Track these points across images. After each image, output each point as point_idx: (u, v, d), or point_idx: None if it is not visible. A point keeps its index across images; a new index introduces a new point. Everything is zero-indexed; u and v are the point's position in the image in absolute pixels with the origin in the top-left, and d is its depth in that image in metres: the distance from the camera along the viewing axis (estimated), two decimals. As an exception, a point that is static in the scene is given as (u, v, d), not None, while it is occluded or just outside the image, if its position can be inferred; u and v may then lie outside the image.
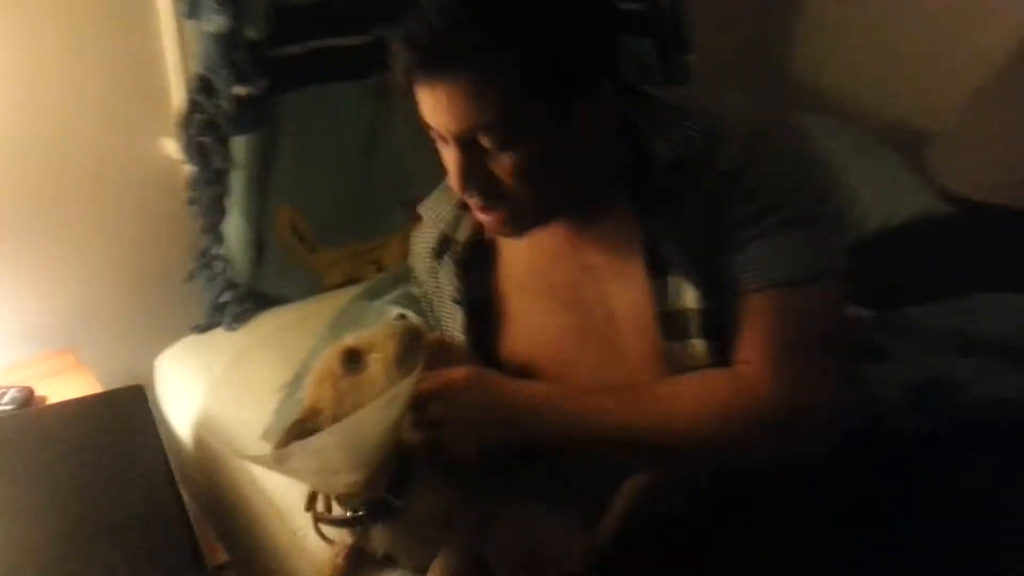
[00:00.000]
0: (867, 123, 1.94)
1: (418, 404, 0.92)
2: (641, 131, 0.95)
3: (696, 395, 0.93)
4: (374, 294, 1.45)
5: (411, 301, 1.31)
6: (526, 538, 0.94)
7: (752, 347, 0.92)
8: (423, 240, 1.13)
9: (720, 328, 0.94)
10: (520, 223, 0.95)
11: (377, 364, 0.89)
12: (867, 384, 1.13)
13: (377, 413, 0.85)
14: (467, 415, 0.93)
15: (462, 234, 1.07)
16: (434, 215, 1.10)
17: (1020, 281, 1.41)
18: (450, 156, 0.90)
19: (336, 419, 0.87)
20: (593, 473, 0.98)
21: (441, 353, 0.99)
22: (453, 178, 0.91)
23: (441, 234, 1.08)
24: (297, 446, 0.86)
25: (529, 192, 0.90)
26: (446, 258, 1.07)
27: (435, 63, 0.83)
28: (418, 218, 1.15)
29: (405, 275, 1.39)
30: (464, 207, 1.04)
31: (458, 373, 0.94)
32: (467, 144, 0.87)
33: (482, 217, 0.95)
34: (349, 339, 0.92)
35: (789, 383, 0.90)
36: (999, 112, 1.73)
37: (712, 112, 0.97)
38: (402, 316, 0.94)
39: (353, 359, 0.90)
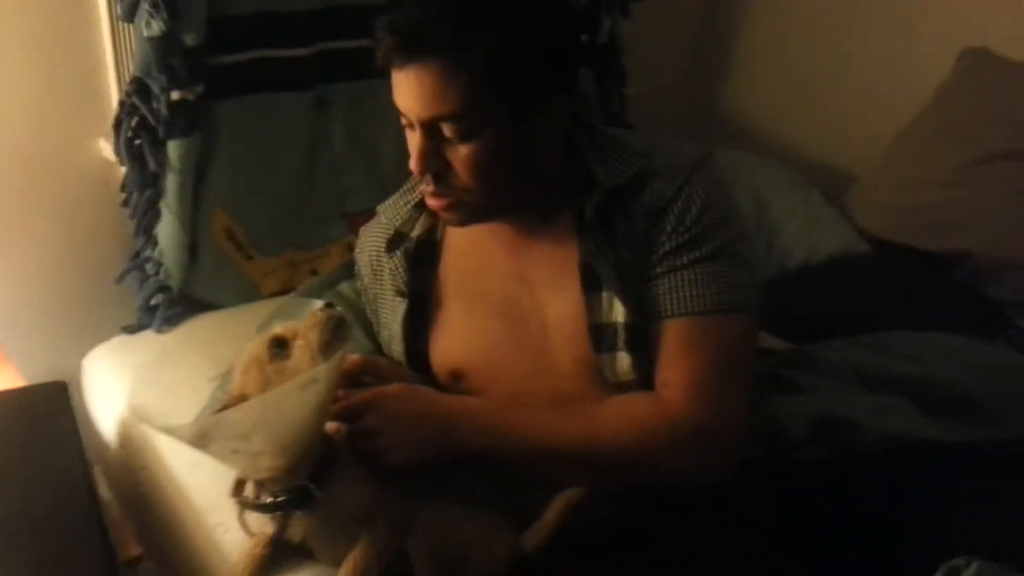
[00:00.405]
0: (794, 162, 2.02)
1: (352, 415, 0.97)
2: (586, 157, 1.04)
3: (620, 416, 1.00)
4: (310, 293, 1.45)
5: (341, 300, 1.35)
6: (449, 537, 0.97)
7: (669, 371, 1.00)
8: (374, 236, 1.19)
9: (644, 343, 1.01)
10: (466, 212, 1.02)
11: (302, 351, 0.91)
12: (775, 413, 1.19)
13: (295, 394, 0.87)
14: (400, 426, 0.97)
15: (415, 232, 1.13)
16: (391, 213, 1.17)
17: (927, 320, 1.48)
18: (414, 140, 0.97)
19: None
20: (521, 481, 1.04)
21: (374, 369, 1.04)
22: (413, 161, 0.98)
23: (396, 231, 1.14)
24: (215, 419, 0.88)
25: (478, 184, 0.98)
26: (397, 253, 1.13)
27: (411, 49, 0.91)
28: (357, 230, 1.23)
29: (337, 279, 1.44)
30: (420, 208, 1.12)
31: (391, 387, 0.99)
32: (430, 130, 0.95)
33: (432, 202, 1.02)
34: (276, 328, 0.95)
35: (701, 407, 0.98)
36: (911, 157, 1.81)
37: (650, 149, 1.05)
38: (328, 305, 0.96)
39: (279, 346, 0.92)
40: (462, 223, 1.05)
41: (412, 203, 1.14)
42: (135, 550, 1.20)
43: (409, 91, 0.93)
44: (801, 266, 1.79)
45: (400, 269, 1.13)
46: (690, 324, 1.00)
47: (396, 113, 0.98)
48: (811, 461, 1.14)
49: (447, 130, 0.94)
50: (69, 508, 1.06)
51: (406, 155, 1.01)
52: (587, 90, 1.96)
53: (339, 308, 0.97)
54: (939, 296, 1.61)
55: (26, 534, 1.01)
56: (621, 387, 1.03)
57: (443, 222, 1.13)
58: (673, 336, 1.00)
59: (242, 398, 0.91)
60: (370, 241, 1.20)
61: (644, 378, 1.02)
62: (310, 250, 1.67)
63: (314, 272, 1.67)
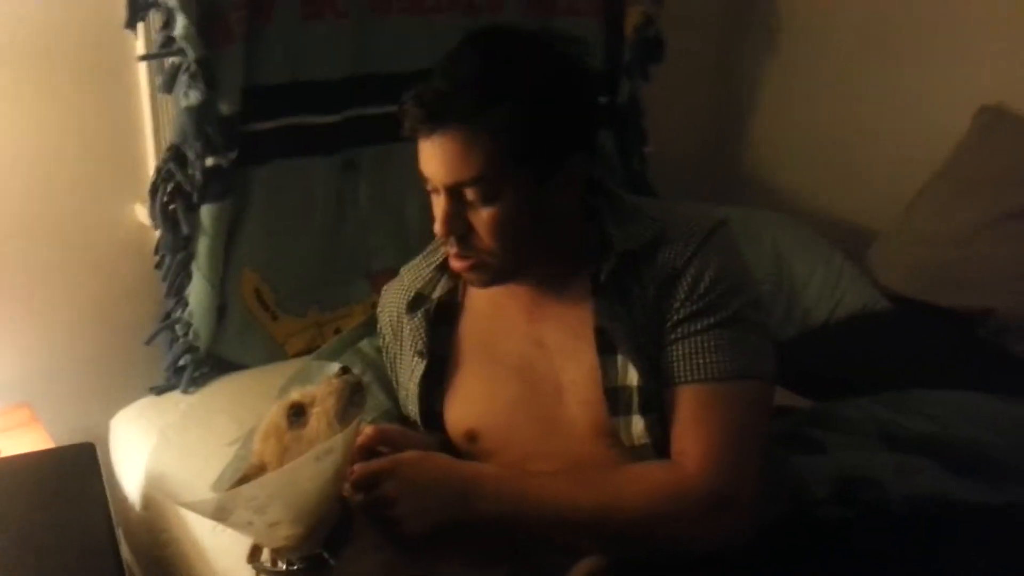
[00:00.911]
0: (814, 220, 2.03)
1: (369, 484, 0.97)
2: (604, 220, 1.06)
3: (636, 484, 1.00)
4: (327, 357, 1.47)
5: (361, 359, 1.38)
6: None
7: (684, 438, 1.00)
8: (395, 296, 1.21)
9: (658, 408, 1.02)
10: (488, 274, 1.04)
11: (319, 418, 0.92)
12: (798, 473, 1.19)
13: (311, 465, 0.88)
14: (416, 493, 0.96)
15: (436, 293, 1.16)
16: (414, 274, 1.19)
17: (951, 377, 1.47)
18: (438, 204, 1.00)
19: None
20: (537, 545, 1.03)
21: (389, 438, 1.05)
22: (437, 224, 1.01)
23: (417, 292, 1.17)
24: (232, 494, 0.88)
25: (501, 246, 1.00)
26: (418, 314, 1.15)
27: (435, 118, 0.95)
28: (380, 289, 1.25)
29: (358, 337, 1.45)
30: (442, 269, 1.15)
31: (407, 454, 1.00)
32: (454, 195, 0.98)
33: (455, 263, 1.05)
34: (295, 394, 0.96)
35: (717, 474, 0.98)
36: (930, 215, 1.82)
37: (665, 215, 1.08)
38: (344, 370, 0.97)
39: (297, 413, 0.93)
40: (484, 284, 1.07)
41: (434, 265, 1.17)
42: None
43: (434, 158, 0.97)
44: (823, 324, 1.79)
45: (420, 330, 1.15)
46: (704, 391, 1.01)
47: (421, 176, 1.01)
48: (834, 520, 1.13)
49: (470, 194, 0.98)
50: (93, 570, 1.07)
51: (430, 216, 1.05)
52: (607, 150, 2.00)
53: (356, 372, 0.98)
54: (962, 353, 1.60)
55: None
56: (636, 451, 1.04)
57: (464, 284, 1.15)
58: (687, 402, 1.01)
59: (261, 467, 0.92)
60: (391, 301, 1.22)
61: (658, 442, 1.02)
62: (334, 310, 1.70)
63: (338, 331, 1.68)
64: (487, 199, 0.97)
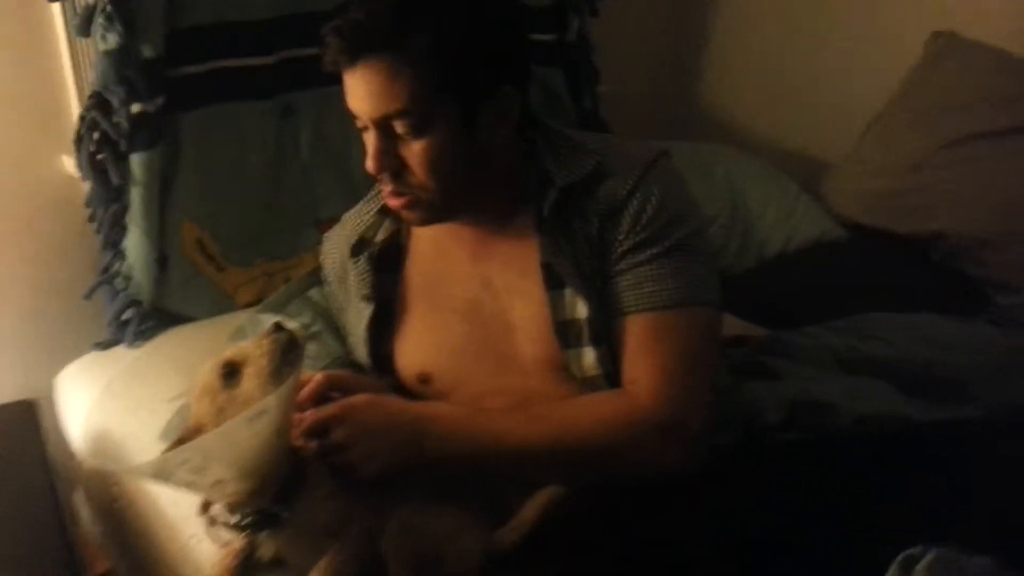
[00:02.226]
0: (769, 153, 2.03)
1: (320, 431, 0.96)
2: (541, 156, 1.06)
3: (588, 415, 1.01)
4: (275, 307, 1.44)
5: (310, 307, 1.35)
6: (422, 536, 0.95)
7: (634, 367, 1.02)
8: (338, 242, 1.21)
9: (608, 339, 1.03)
10: (425, 211, 1.04)
11: (252, 378, 0.90)
12: (751, 400, 1.19)
13: (246, 426, 0.86)
14: (369, 437, 0.96)
15: (379, 236, 1.15)
16: (356, 219, 1.18)
17: (906, 302, 1.48)
18: (369, 140, 0.99)
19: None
20: (494, 481, 1.02)
21: (340, 383, 1.04)
22: (369, 161, 1.01)
23: (360, 236, 1.16)
24: (166, 458, 0.87)
25: (435, 181, 0.99)
26: (362, 258, 1.14)
27: (356, 49, 0.94)
28: None
29: (306, 286, 1.42)
30: (384, 213, 1.14)
31: (357, 398, 0.99)
32: (383, 129, 0.97)
33: (391, 202, 1.04)
34: (227, 352, 0.94)
35: (667, 401, 0.99)
36: (884, 143, 1.81)
37: (605, 148, 1.07)
38: (278, 326, 0.94)
39: (230, 373, 0.91)
40: (422, 222, 1.06)
41: (376, 209, 1.16)
42: (103, 566, 1.19)
43: (358, 91, 0.96)
44: (778, 255, 1.80)
45: (365, 274, 1.14)
46: (652, 319, 1.01)
47: (350, 114, 0.99)
48: (786, 444, 1.14)
49: (399, 127, 0.96)
50: (37, 526, 1.07)
51: None
52: (558, 90, 1.95)
53: (292, 327, 0.96)
54: (917, 278, 1.62)
55: None
56: (588, 383, 1.04)
57: (408, 227, 1.14)
58: (636, 332, 1.02)
59: (197, 428, 0.90)
60: (334, 247, 1.21)
61: (610, 374, 1.03)
62: (284, 259, 1.66)
63: (288, 281, 1.63)
64: (416, 132, 0.96)
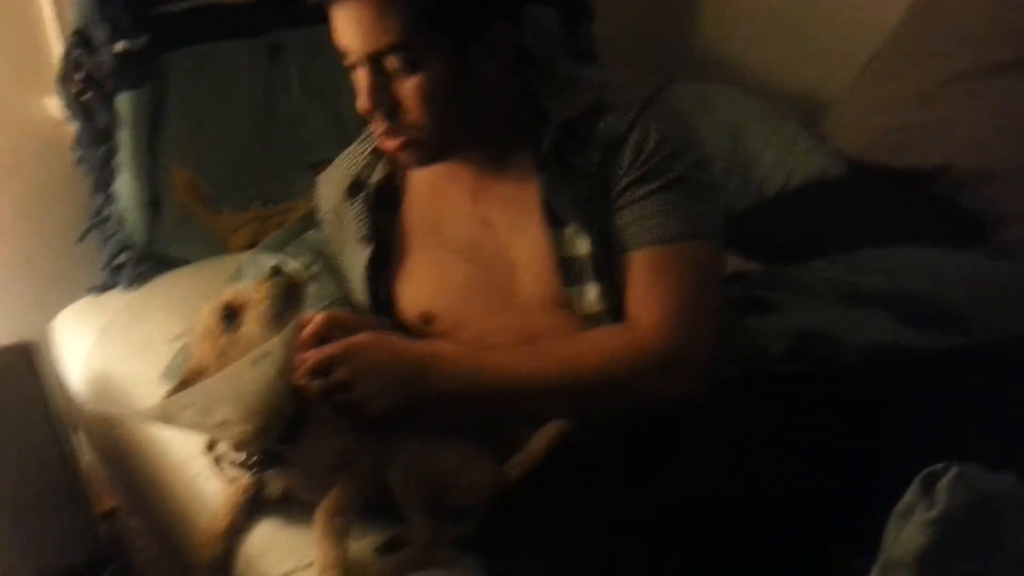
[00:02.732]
0: (768, 91, 1.99)
1: (324, 369, 0.96)
2: (538, 93, 1.04)
3: (593, 349, 1.00)
4: (272, 248, 1.43)
5: (308, 248, 1.33)
6: (429, 468, 0.97)
7: (638, 302, 1.01)
8: (333, 183, 1.19)
9: (610, 274, 1.02)
10: (420, 151, 1.02)
11: (252, 322, 0.91)
12: (752, 333, 1.18)
13: (249, 369, 0.87)
14: (373, 374, 0.96)
15: (375, 177, 1.13)
16: (349, 161, 1.17)
17: (905, 236, 1.47)
18: (361, 79, 0.97)
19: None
20: (500, 416, 1.04)
21: (341, 322, 1.03)
22: (361, 99, 0.98)
23: (355, 177, 1.14)
24: (169, 402, 0.88)
25: (429, 119, 0.97)
26: (358, 200, 1.13)
27: None
28: None
29: (303, 228, 1.41)
30: (378, 153, 1.13)
31: (360, 337, 0.98)
32: (375, 66, 0.95)
33: (386, 143, 1.02)
34: (224, 294, 0.94)
35: (671, 333, 0.99)
36: (883, 78, 1.78)
37: (602, 84, 1.07)
38: (276, 270, 0.93)
39: (230, 314, 0.91)
40: (418, 163, 1.05)
41: (369, 149, 1.14)
42: (109, 503, 1.19)
43: (348, 27, 0.94)
44: (778, 192, 1.78)
45: (362, 216, 1.13)
46: (655, 254, 1.01)
47: (339, 52, 0.97)
48: (790, 375, 1.13)
49: (391, 63, 0.94)
50: (41, 466, 1.06)
51: None
52: (551, 29, 1.91)
53: (290, 269, 0.95)
54: (916, 212, 1.60)
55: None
56: (591, 319, 1.04)
57: (401, 166, 1.12)
58: (639, 267, 1.01)
59: (199, 370, 0.91)
60: (329, 189, 1.20)
61: (613, 309, 1.02)
62: (278, 203, 1.63)
63: (282, 226, 1.63)
64: (409, 67, 0.94)
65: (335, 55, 1.54)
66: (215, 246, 1.58)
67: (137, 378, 1.26)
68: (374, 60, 0.94)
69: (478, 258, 1.09)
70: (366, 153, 1.14)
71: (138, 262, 1.49)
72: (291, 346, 0.92)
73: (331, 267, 1.27)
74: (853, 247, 1.46)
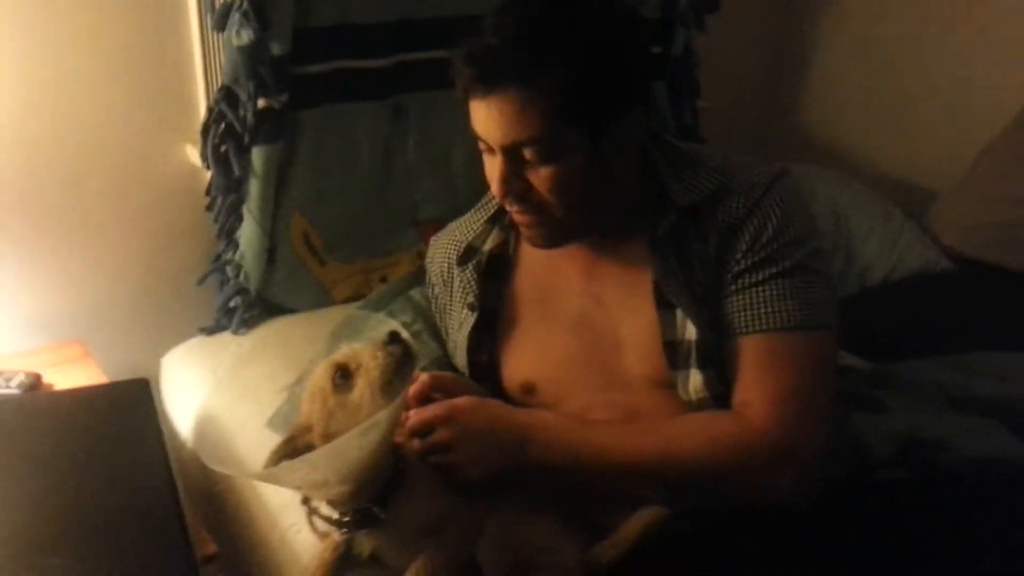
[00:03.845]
0: (871, 178, 1.98)
1: (424, 430, 0.97)
2: (662, 174, 1.04)
3: (699, 433, 0.98)
4: (377, 304, 1.48)
5: (412, 307, 1.37)
6: (518, 544, 0.95)
7: (748, 389, 0.99)
8: (445, 247, 1.21)
9: (717, 362, 1.00)
10: (548, 233, 1.03)
11: (364, 387, 0.91)
12: (859, 433, 1.16)
13: (358, 439, 0.88)
14: (473, 439, 0.96)
15: (488, 245, 1.15)
16: (465, 226, 1.19)
17: (1012, 338, 1.42)
18: (494, 165, 0.99)
19: (326, 436, 0.90)
20: (595, 493, 1.02)
21: (443, 384, 1.04)
22: (495, 185, 1.00)
23: (468, 244, 1.16)
24: (283, 467, 0.90)
25: (560, 205, 0.99)
26: (469, 266, 1.15)
27: (490, 79, 0.92)
28: (427, 238, 1.24)
29: (407, 286, 1.45)
30: (493, 222, 1.15)
31: (463, 400, 0.99)
32: (511, 155, 0.96)
33: (519, 218, 1.03)
34: (339, 355, 0.95)
35: (783, 425, 0.96)
36: (997, 174, 1.75)
37: (725, 166, 1.05)
38: (394, 336, 0.94)
39: (343, 376, 0.92)
40: (547, 244, 1.05)
41: (485, 218, 1.16)
42: (211, 547, 1.22)
43: (489, 119, 0.94)
44: (881, 283, 1.74)
45: (471, 283, 1.15)
46: (768, 341, 0.99)
47: (473, 133, 0.99)
48: (897, 482, 1.11)
49: (527, 154, 0.95)
50: (151, 503, 1.08)
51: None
52: (660, 103, 1.94)
53: (405, 337, 0.95)
54: (1026, 316, 1.54)
55: (109, 529, 1.03)
56: (694, 405, 1.02)
57: (517, 238, 1.14)
58: (750, 353, 0.99)
59: (307, 427, 0.92)
60: (441, 252, 1.22)
61: (718, 397, 1.01)
62: (381, 257, 1.69)
63: (384, 279, 1.69)
64: (545, 159, 0.95)
65: (449, 119, 1.61)
66: (320, 296, 1.63)
67: (243, 424, 1.28)
68: (511, 150, 0.96)
69: (586, 332, 1.09)
70: (482, 221, 1.16)
71: (249, 307, 1.55)
72: (398, 416, 0.93)
73: (433, 326, 1.30)
74: (960, 347, 1.41)
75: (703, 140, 2.05)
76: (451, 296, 1.20)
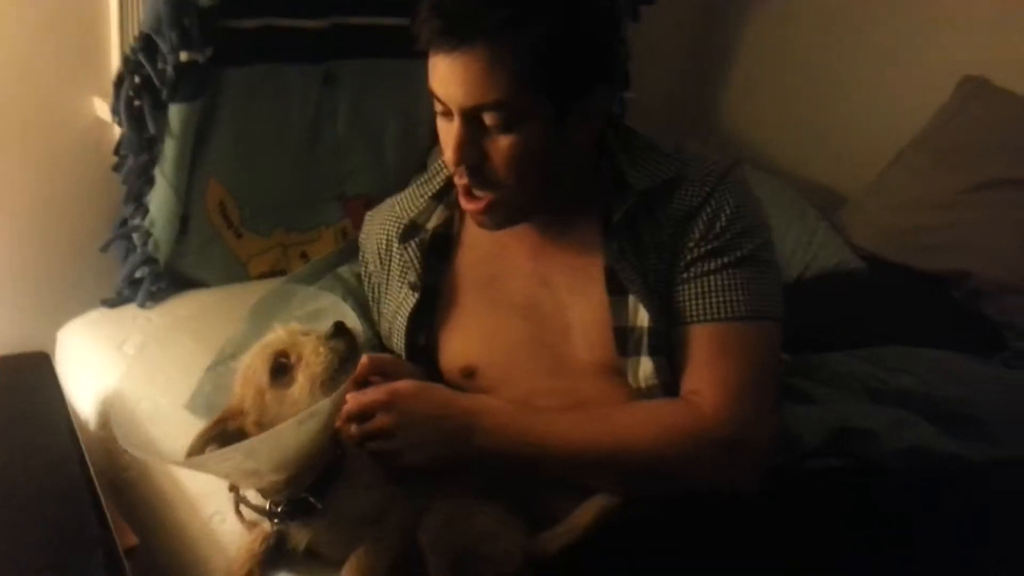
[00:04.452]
0: (786, 177, 2.03)
1: (364, 415, 0.92)
2: (618, 158, 1.02)
3: (649, 421, 0.97)
4: (304, 280, 1.40)
5: (341, 284, 1.31)
6: (462, 532, 0.93)
7: (698, 378, 0.98)
8: (384, 224, 1.15)
9: (668, 349, 0.99)
10: (501, 214, 0.99)
11: (304, 381, 0.87)
12: (788, 422, 1.18)
13: (296, 428, 0.83)
14: (416, 425, 0.92)
15: (432, 223, 1.10)
16: (406, 202, 1.13)
17: (924, 337, 1.49)
18: (450, 131, 0.94)
19: (260, 426, 0.86)
20: (540, 482, 0.99)
21: (382, 367, 1.00)
22: (448, 152, 0.94)
23: (411, 221, 1.11)
24: (214, 455, 0.85)
25: (515, 179, 0.95)
26: (412, 244, 1.09)
27: (460, 32, 0.87)
28: (353, 215, 1.16)
29: (336, 263, 1.39)
30: (438, 199, 1.10)
31: (404, 384, 0.94)
32: (470, 120, 0.91)
33: (465, 203, 0.99)
34: (275, 339, 0.89)
35: (734, 414, 0.96)
36: (909, 178, 1.83)
37: (679, 154, 1.04)
38: (340, 328, 0.88)
39: (281, 370, 0.87)
40: (497, 226, 1.02)
41: (429, 194, 1.11)
42: (131, 539, 1.12)
43: (453, 77, 0.90)
44: (795, 280, 1.78)
45: (413, 261, 1.10)
46: (719, 330, 0.99)
47: (430, 91, 0.94)
48: (827, 470, 1.13)
49: (488, 119, 0.91)
50: (65, 487, 1.01)
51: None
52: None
53: (352, 327, 0.89)
54: (936, 314, 1.63)
55: (23, 515, 0.95)
56: (643, 393, 1.01)
57: (461, 217, 1.10)
58: (701, 342, 0.99)
59: (237, 411, 0.88)
60: (379, 228, 1.16)
61: (667, 385, 1.00)
62: (302, 232, 1.62)
63: (304, 255, 1.62)
64: (506, 126, 0.91)
65: (384, 91, 1.55)
66: (234, 270, 1.55)
67: (156, 405, 1.19)
68: (471, 114, 0.91)
69: (534, 315, 1.06)
70: (426, 197, 1.12)
71: (157, 278, 1.44)
72: (339, 406, 0.89)
73: (363, 305, 1.24)
74: (872, 343, 1.46)
75: (629, 130, 2.03)
76: (388, 275, 1.15)
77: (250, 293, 1.39)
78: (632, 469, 0.97)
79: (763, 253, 1.02)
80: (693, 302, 1.00)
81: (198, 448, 0.86)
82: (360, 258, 1.22)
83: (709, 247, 1.00)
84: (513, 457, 0.95)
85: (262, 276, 1.57)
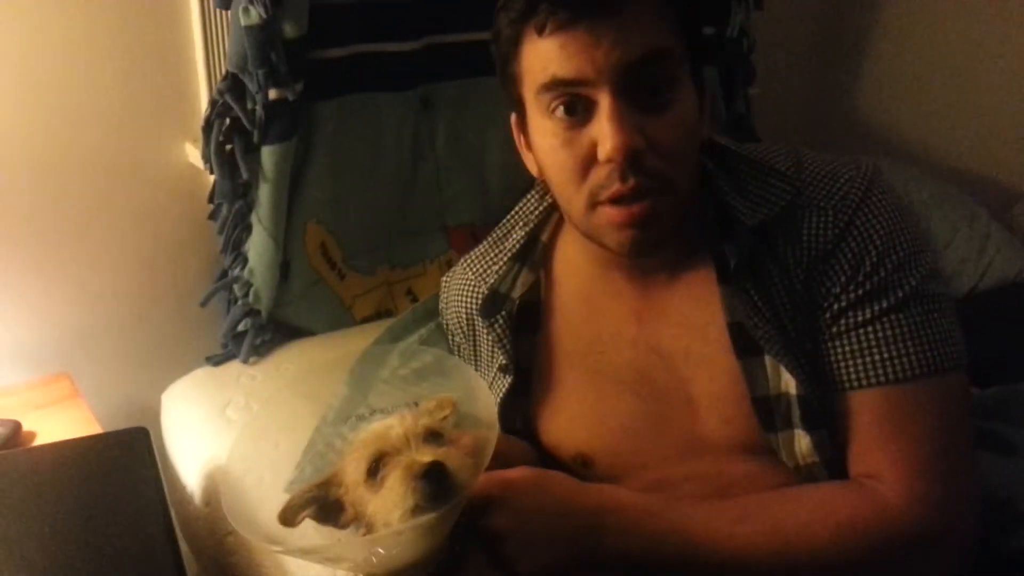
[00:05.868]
0: (944, 174, 1.79)
1: (475, 512, 0.78)
2: (721, 188, 0.85)
3: (820, 517, 0.80)
4: (396, 334, 1.31)
5: (443, 337, 1.16)
6: None
7: (872, 458, 0.81)
8: (462, 291, 1.01)
9: (825, 419, 0.82)
10: (655, 226, 0.81)
11: (387, 495, 0.74)
12: (990, 482, 0.97)
13: (406, 542, 0.73)
14: (534, 526, 0.78)
15: (517, 292, 0.95)
16: (483, 264, 0.99)
17: None
18: (576, 138, 0.79)
19: (355, 513, 0.78)
20: None
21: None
22: (612, 137, 0.76)
23: (491, 290, 0.96)
24: (306, 548, 0.79)
25: (678, 165, 0.79)
26: (498, 320, 0.95)
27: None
28: (458, 246, 1.03)
29: (429, 311, 1.28)
30: (521, 260, 0.96)
31: (518, 475, 0.80)
32: (622, 95, 0.77)
33: (615, 214, 0.80)
34: (379, 440, 0.78)
35: (925, 503, 0.79)
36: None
37: (798, 169, 0.85)
38: (430, 471, 0.74)
39: (374, 471, 0.77)
40: (651, 245, 0.83)
41: (510, 254, 0.96)
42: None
43: (602, 40, 0.75)
44: (969, 293, 1.57)
45: (503, 340, 0.94)
46: (890, 396, 0.80)
47: (545, 82, 0.79)
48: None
49: (646, 80, 0.77)
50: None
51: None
52: (712, 90, 1.75)
53: (449, 467, 0.73)
54: None
55: None
56: (801, 471, 0.84)
57: (548, 280, 0.95)
58: (869, 413, 0.81)
59: (337, 482, 0.79)
60: (457, 297, 1.02)
61: (829, 462, 0.83)
62: (406, 267, 1.52)
63: (409, 292, 1.52)
64: (669, 89, 0.78)
65: (483, 111, 1.43)
66: (338, 314, 1.46)
67: (259, 479, 1.10)
68: (625, 84, 0.76)
69: (646, 392, 0.89)
70: (505, 258, 0.97)
71: (261, 331, 1.37)
72: (456, 517, 0.76)
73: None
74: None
75: (754, 129, 1.86)
76: (475, 350, 1.01)
77: (355, 340, 1.32)
78: (796, 573, 0.79)
79: (930, 286, 0.82)
80: (850, 363, 0.81)
81: (296, 507, 0.79)
82: (443, 327, 1.08)
83: (861, 292, 0.81)
84: (650, 559, 0.79)
85: (367, 319, 1.48)
